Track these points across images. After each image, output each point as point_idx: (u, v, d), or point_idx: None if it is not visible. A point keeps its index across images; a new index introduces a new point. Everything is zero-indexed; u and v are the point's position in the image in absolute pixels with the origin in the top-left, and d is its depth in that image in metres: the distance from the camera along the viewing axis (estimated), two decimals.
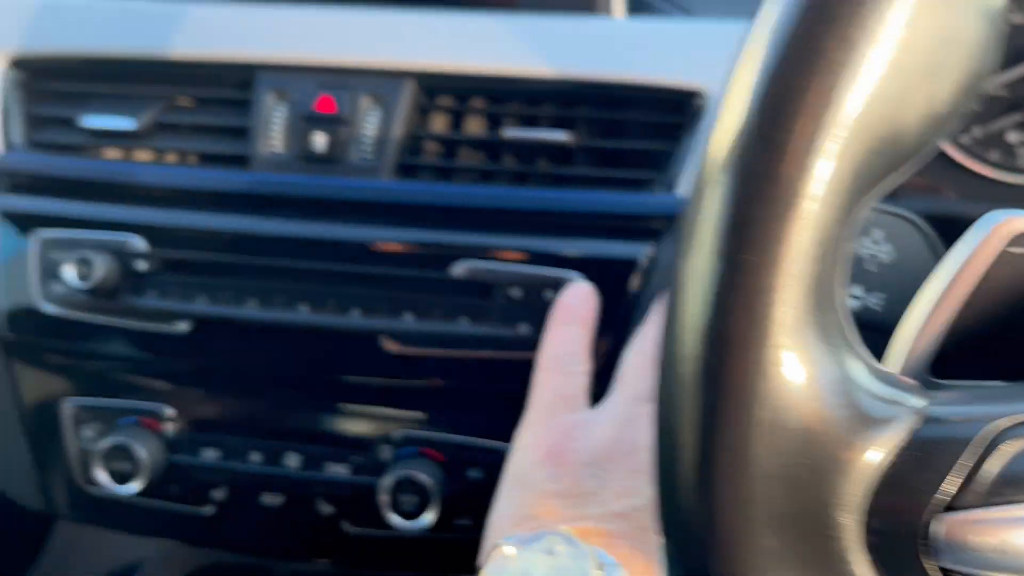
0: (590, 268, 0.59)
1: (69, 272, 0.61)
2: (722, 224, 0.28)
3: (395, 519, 0.59)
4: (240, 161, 0.64)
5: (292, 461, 0.63)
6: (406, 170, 0.63)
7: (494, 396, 0.61)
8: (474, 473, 0.61)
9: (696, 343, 0.29)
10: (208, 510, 0.65)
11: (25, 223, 0.65)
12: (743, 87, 0.28)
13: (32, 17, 0.68)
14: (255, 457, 0.63)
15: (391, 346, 0.60)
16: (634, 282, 0.59)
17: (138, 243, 0.62)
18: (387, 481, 0.59)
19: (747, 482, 0.29)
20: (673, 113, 0.60)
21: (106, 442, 0.62)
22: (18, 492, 0.69)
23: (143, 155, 0.67)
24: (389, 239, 0.60)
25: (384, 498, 0.59)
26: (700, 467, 0.30)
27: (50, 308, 0.64)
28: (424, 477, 0.58)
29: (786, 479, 0.29)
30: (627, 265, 0.59)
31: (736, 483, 0.29)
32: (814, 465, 0.29)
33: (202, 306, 0.61)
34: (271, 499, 0.63)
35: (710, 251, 0.28)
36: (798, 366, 0.28)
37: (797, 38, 0.26)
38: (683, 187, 0.59)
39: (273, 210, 0.62)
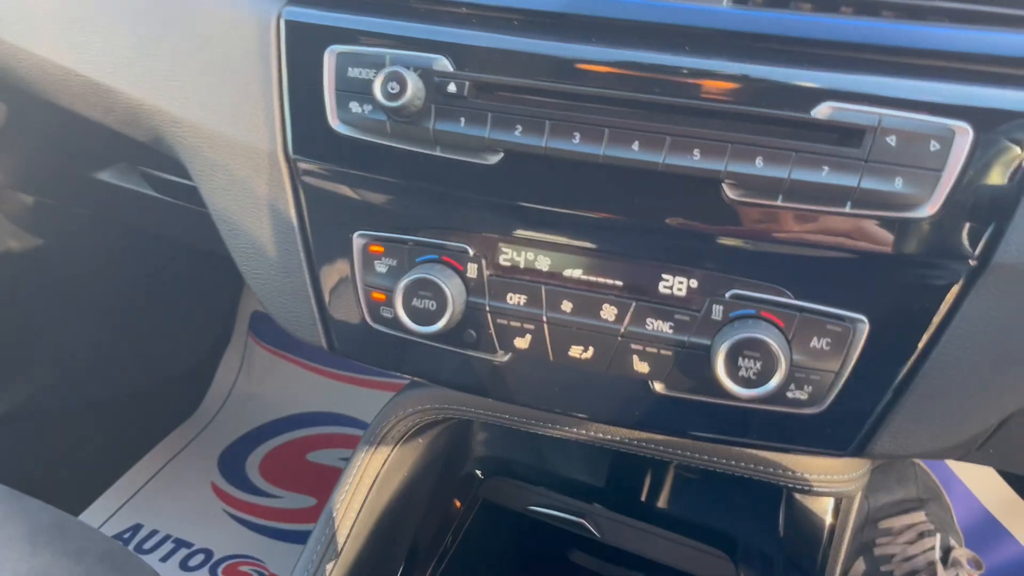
0: (980, 118, 0.50)
1: (376, 89, 0.55)
2: None
3: (730, 384, 0.54)
4: None
5: (608, 314, 0.58)
6: None
7: (848, 258, 0.54)
8: (817, 343, 0.54)
9: None
10: (504, 358, 0.61)
11: (318, 37, 0.59)
12: None
13: None
14: (566, 306, 0.58)
15: (732, 194, 0.53)
16: None
17: (445, 64, 0.56)
18: (725, 342, 0.53)
19: None
20: None
21: (409, 277, 0.58)
22: (299, 329, 0.66)
23: None
24: (738, 74, 0.52)
25: (720, 361, 0.54)
26: None
27: (344, 130, 0.59)
28: (771, 341, 0.52)
29: None
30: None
31: None
32: None
33: (515, 136, 0.55)
34: (579, 352, 0.59)
35: None
36: None
37: None
38: None
39: (594, 34, 0.55)
